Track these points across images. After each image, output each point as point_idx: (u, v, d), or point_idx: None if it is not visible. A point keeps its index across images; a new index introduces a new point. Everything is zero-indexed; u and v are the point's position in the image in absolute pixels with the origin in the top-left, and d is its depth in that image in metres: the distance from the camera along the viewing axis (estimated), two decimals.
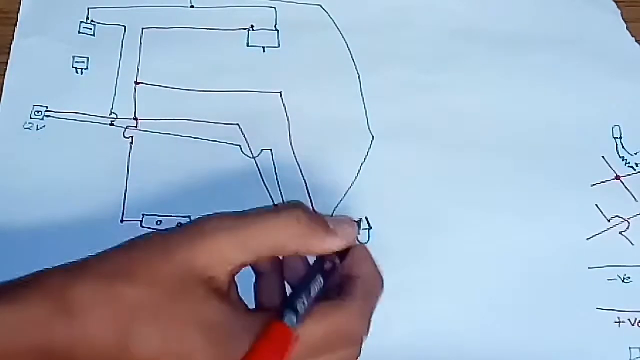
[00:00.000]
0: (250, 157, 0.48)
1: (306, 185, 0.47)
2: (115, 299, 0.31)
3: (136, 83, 0.50)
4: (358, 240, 0.37)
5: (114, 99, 0.49)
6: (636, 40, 0.55)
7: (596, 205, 0.47)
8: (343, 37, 0.53)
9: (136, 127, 0.48)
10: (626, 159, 0.50)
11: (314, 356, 0.32)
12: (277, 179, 0.47)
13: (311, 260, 0.35)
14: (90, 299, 0.31)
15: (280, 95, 0.50)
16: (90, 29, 0.52)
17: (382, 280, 0.36)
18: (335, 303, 0.33)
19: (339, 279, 0.35)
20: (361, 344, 0.34)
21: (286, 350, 0.30)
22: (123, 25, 0.52)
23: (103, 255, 0.33)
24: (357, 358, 0.34)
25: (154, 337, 0.30)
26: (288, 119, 0.49)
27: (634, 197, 0.48)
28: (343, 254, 0.35)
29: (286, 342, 0.31)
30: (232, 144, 0.48)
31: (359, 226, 0.40)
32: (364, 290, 0.34)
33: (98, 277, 0.32)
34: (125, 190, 0.46)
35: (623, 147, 0.50)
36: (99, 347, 0.30)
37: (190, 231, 0.33)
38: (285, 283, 0.36)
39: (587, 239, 0.46)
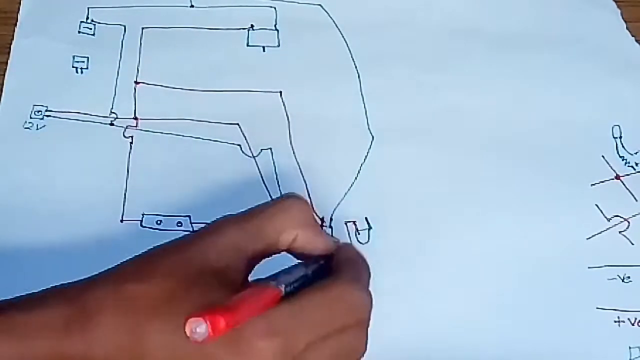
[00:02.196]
0: (250, 157, 0.48)
1: (306, 185, 0.47)
2: (126, 298, 0.31)
3: (136, 83, 0.50)
4: None
5: (114, 98, 0.49)
6: (636, 40, 0.55)
7: (596, 205, 0.47)
8: (343, 37, 0.53)
9: (136, 127, 0.48)
10: (626, 159, 0.50)
11: (323, 334, 0.32)
12: (277, 178, 0.47)
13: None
14: (104, 301, 0.31)
15: (280, 95, 0.50)
16: (90, 29, 0.52)
17: (367, 264, 0.37)
18: (328, 280, 0.33)
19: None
20: (367, 325, 0.34)
21: (263, 297, 0.30)
22: (123, 25, 0.52)
23: (120, 263, 0.33)
24: (366, 344, 0.34)
25: (168, 331, 0.30)
26: (288, 119, 0.49)
27: (634, 197, 0.48)
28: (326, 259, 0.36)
29: (264, 292, 0.31)
30: (232, 144, 0.48)
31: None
32: (351, 266, 0.35)
33: (111, 281, 0.32)
34: (125, 190, 0.46)
35: (623, 146, 0.50)
36: (114, 349, 0.30)
37: (201, 231, 0.34)
38: None
39: (587, 238, 0.46)
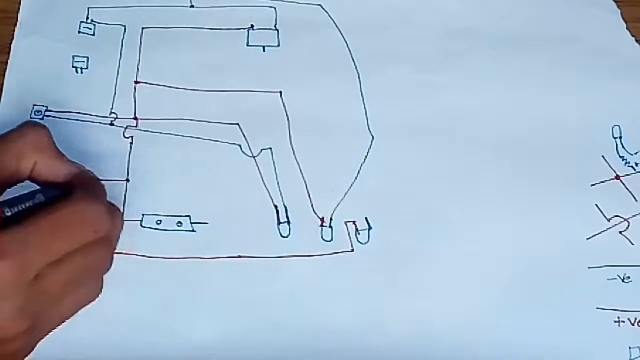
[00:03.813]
0: (250, 157, 0.48)
1: (306, 185, 0.47)
2: None
3: (136, 83, 0.50)
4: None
5: (114, 98, 0.49)
6: (636, 40, 0.55)
7: (596, 205, 0.47)
8: (343, 37, 0.53)
9: (136, 127, 0.48)
10: (626, 159, 0.50)
11: (61, 254, 0.32)
12: (277, 178, 0.47)
13: None
14: None
15: (280, 95, 0.50)
16: (90, 28, 0.52)
17: (102, 185, 0.37)
18: (61, 201, 0.33)
19: None
20: (112, 241, 0.34)
21: None
22: (123, 25, 0.52)
23: None
24: (110, 261, 0.35)
25: None
26: (288, 119, 0.49)
27: (634, 197, 0.48)
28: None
29: None
30: (232, 143, 0.48)
31: None
32: (85, 185, 0.35)
33: None
34: (125, 190, 0.46)
35: (623, 147, 0.50)
36: None
37: None
38: None
39: (587, 238, 0.46)
